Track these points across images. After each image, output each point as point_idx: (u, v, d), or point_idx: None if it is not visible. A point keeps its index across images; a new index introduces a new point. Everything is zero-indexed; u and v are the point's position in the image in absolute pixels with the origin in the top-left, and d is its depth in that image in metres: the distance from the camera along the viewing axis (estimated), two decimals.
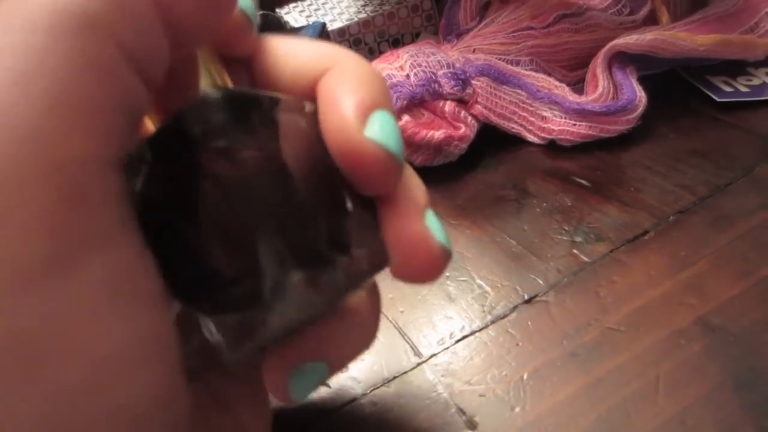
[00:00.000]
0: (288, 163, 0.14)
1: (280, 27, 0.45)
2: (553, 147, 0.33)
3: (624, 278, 0.25)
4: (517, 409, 0.21)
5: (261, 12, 0.46)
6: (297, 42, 0.17)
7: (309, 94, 0.16)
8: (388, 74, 0.33)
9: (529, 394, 0.21)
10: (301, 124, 0.14)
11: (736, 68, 0.35)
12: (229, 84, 0.16)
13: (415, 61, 0.33)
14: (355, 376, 0.23)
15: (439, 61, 0.33)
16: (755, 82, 0.34)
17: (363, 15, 0.43)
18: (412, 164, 0.32)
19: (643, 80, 0.33)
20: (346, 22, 0.42)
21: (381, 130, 0.14)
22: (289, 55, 0.16)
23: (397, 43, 0.44)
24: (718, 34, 0.32)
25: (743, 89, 0.33)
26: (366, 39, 0.43)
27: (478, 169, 0.33)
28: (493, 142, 0.34)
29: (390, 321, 0.25)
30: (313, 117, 0.15)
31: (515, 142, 0.34)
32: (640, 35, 0.32)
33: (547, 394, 0.21)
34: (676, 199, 0.28)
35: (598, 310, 0.24)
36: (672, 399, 0.20)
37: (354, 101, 0.14)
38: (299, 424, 0.21)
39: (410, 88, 0.32)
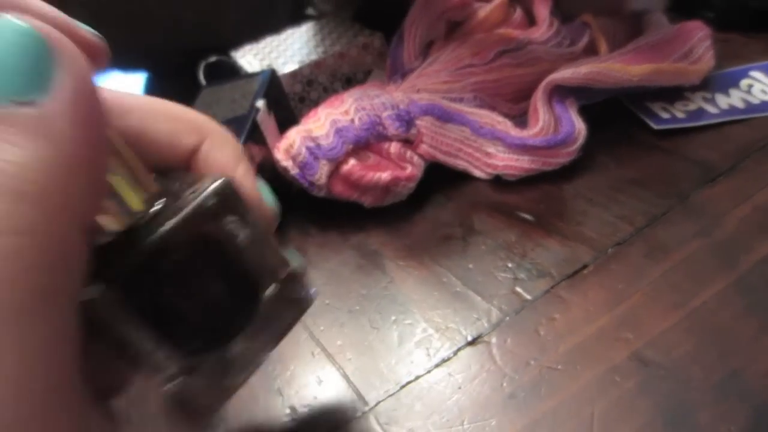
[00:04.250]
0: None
1: (234, 71, 0.45)
2: (499, 181, 0.34)
3: (563, 315, 0.25)
4: None
5: (215, 57, 0.47)
6: (164, 105, 0.18)
7: (183, 159, 0.18)
8: (333, 119, 0.33)
9: None
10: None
11: (673, 93, 0.36)
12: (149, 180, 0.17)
13: (359, 105, 0.34)
14: (303, 426, 0.23)
15: (383, 103, 0.34)
16: (691, 107, 0.35)
17: (314, 56, 0.44)
18: (362, 205, 0.33)
19: (583, 109, 0.34)
20: (298, 65, 0.43)
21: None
22: (161, 120, 0.18)
23: (350, 81, 0.45)
24: (652, 64, 0.33)
25: (680, 115, 0.34)
26: (319, 79, 0.44)
27: (427, 206, 0.34)
28: (442, 177, 0.35)
29: (338, 369, 0.25)
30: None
31: (463, 176, 0.35)
32: (576, 69, 0.33)
33: None
34: (614, 231, 0.29)
35: (537, 348, 0.24)
36: None
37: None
38: None
39: (355, 132, 0.33)
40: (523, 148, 0.32)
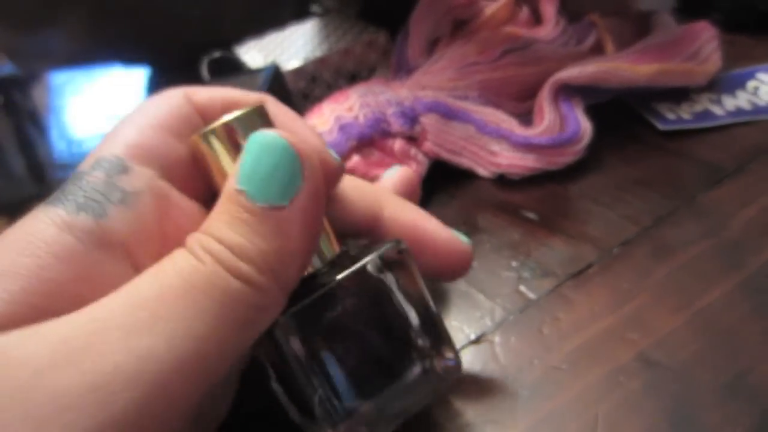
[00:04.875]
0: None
1: (237, 67, 0.45)
2: (503, 180, 0.34)
3: (568, 314, 0.25)
4: None
5: (219, 52, 0.47)
6: (351, 183, 0.22)
7: (368, 224, 0.22)
8: (338, 116, 0.33)
9: None
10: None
11: (679, 94, 0.35)
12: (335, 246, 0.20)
13: (364, 101, 0.33)
14: None
15: (388, 100, 0.34)
16: (698, 108, 0.34)
17: (319, 53, 0.44)
18: None
19: (589, 108, 0.34)
20: (302, 61, 0.43)
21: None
22: (353, 197, 0.22)
23: (354, 78, 0.45)
24: (659, 64, 0.33)
25: (686, 116, 0.34)
26: (323, 76, 0.44)
27: (431, 204, 0.34)
28: (446, 175, 0.35)
29: None
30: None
31: (468, 175, 0.35)
32: (583, 67, 0.33)
33: None
34: (620, 231, 0.28)
35: (541, 348, 0.24)
36: None
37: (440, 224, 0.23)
38: None
39: (359, 128, 0.32)
40: (528, 146, 0.32)
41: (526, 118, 0.35)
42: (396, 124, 0.33)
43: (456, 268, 0.23)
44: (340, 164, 0.20)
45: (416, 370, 0.20)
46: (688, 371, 0.22)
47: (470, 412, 0.22)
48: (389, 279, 0.19)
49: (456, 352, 0.21)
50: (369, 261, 0.19)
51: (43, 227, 0.15)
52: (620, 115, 0.36)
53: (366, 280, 0.19)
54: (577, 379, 0.22)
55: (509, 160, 0.33)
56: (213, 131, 0.18)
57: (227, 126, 0.18)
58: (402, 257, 0.20)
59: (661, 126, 0.33)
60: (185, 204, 0.18)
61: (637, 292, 0.25)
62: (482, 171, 0.34)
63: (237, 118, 0.18)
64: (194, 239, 0.16)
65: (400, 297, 0.20)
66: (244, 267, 0.16)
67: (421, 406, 0.21)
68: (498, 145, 0.33)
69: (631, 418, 0.21)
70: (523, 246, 0.29)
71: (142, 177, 0.17)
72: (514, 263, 0.28)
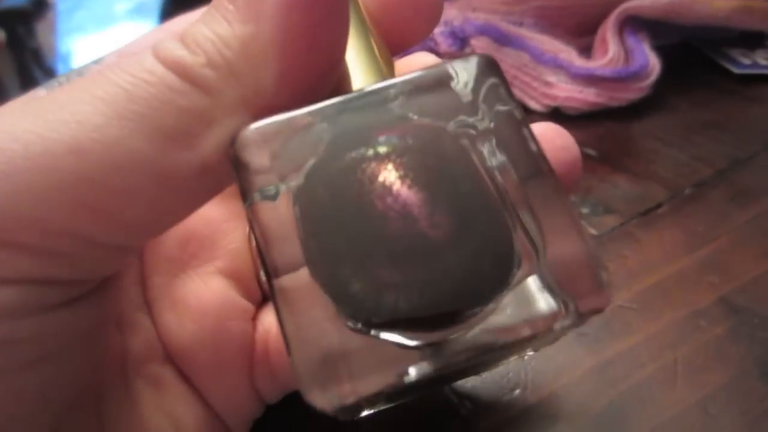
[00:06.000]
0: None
1: None
2: (557, 115, 0.30)
3: (636, 253, 0.22)
4: (517, 392, 0.18)
5: None
6: None
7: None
8: None
9: (531, 375, 0.18)
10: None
11: (754, 41, 0.32)
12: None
13: None
14: None
15: None
16: None
17: None
18: None
19: (655, 50, 0.31)
20: None
21: None
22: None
23: None
24: (740, 0, 0.30)
25: (763, 62, 0.31)
26: None
27: None
28: None
29: None
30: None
31: None
32: None
33: (550, 376, 0.18)
34: (692, 172, 0.25)
35: None
36: (692, 385, 0.18)
37: None
38: None
39: None
40: (589, 78, 0.29)
41: (585, 53, 0.32)
42: (444, 44, 0.30)
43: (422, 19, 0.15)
44: None
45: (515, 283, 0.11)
46: None
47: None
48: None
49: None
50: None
51: None
52: (685, 60, 0.33)
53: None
54: (651, 320, 0.20)
55: (567, 92, 0.30)
56: None
57: None
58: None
59: (736, 69, 0.30)
60: None
61: (715, 236, 0.22)
62: (534, 105, 0.31)
63: None
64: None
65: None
66: (185, 57, 0.11)
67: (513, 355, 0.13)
68: (555, 76, 0.30)
69: (716, 365, 0.18)
70: (582, 181, 0.26)
71: None
72: (572, 198, 0.25)
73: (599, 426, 0.17)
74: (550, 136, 0.13)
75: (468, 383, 0.18)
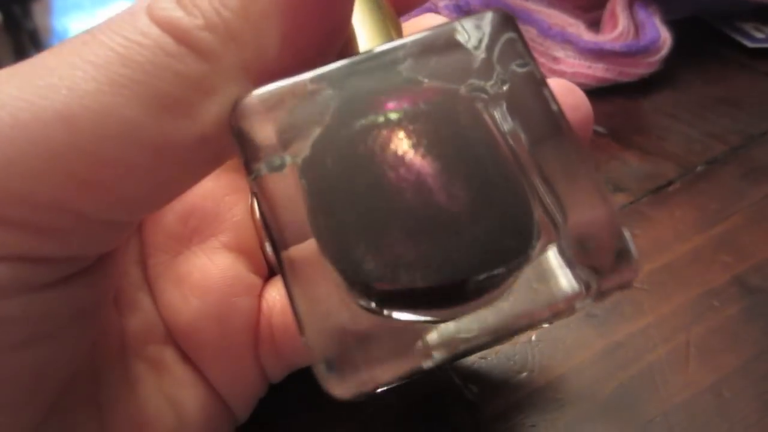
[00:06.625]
0: None
1: None
2: None
3: (647, 232, 0.22)
4: (524, 375, 0.17)
5: None
6: None
7: None
8: None
9: (538, 358, 0.18)
10: None
11: (766, 15, 0.31)
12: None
13: None
14: None
15: None
16: None
17: None
18: None
19: (666, 25, 0.30)
20: None
21: None
22: None
23: None
24: None
25: None
26: None
27: None
28: None
29: None
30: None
31: None
32: None
33: (558, 358, 0.18)
34: (704, 149, 0.25)
35: None
36: (705, 368, 0.17)
37: None
38: None
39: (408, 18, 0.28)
40: (598, 53, 0.28)
41: (593, 27, 0.31)
42: (449, 18, 0.29)
43: None
44: None
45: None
46: None
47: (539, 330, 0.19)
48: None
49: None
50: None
51: None
52: (696, 34, 0.32)
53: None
54: (662, 301, 0.19)
55: (575, 68, 0.29)
56: None
57: None
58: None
59: (749, 44, 0.30)
60: None
61: (729, 214, 0.22)
62: None
63: None
64: None
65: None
66: (182, 18, 0.10)
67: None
68: (562, 51, 0.29)
69: (731, 346, 0.17)
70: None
71: None
72: None
73: (608, 410, 0.16)
74: (561, 93, 0.13)
75: (474, 365, 0.18)
